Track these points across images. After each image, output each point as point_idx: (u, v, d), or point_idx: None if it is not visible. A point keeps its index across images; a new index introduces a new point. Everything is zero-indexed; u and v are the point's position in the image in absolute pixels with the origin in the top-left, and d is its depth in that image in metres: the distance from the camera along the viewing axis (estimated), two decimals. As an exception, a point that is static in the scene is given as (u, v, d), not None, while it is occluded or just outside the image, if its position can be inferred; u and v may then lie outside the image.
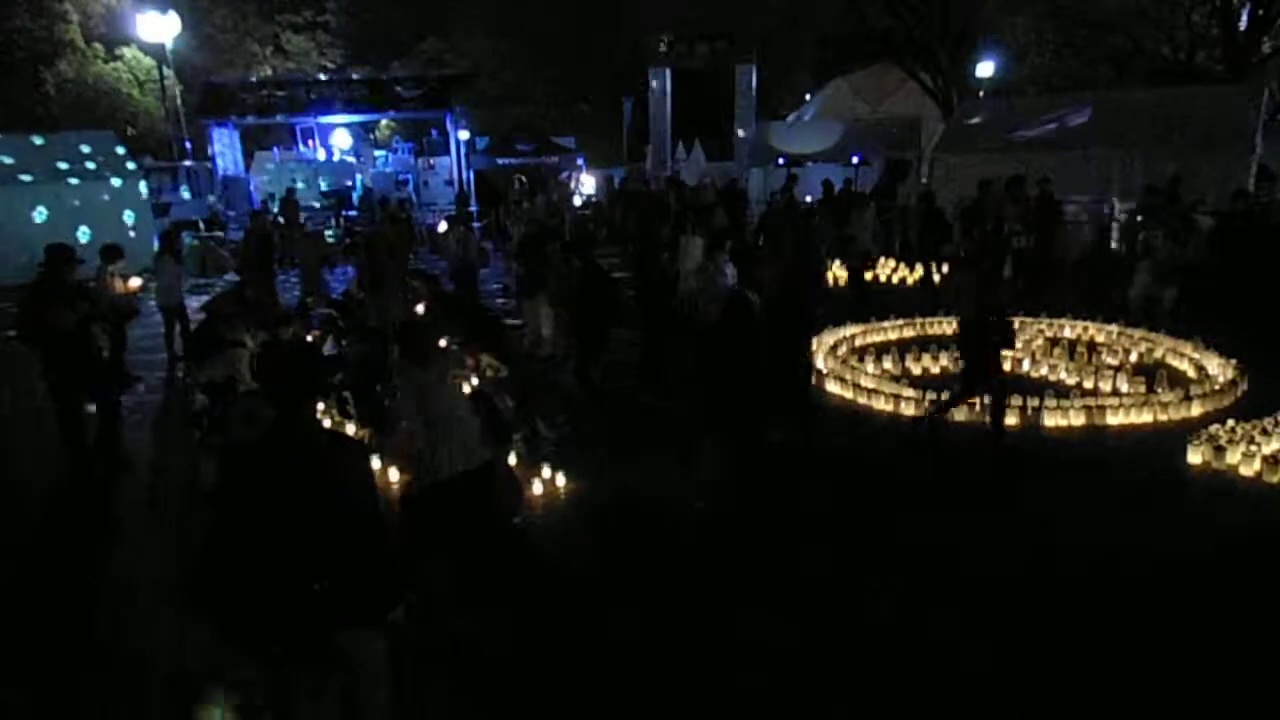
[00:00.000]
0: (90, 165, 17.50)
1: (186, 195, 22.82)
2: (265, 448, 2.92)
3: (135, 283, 9.01)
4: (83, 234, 15.85)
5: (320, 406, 6.81)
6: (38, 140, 17.53)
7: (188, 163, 23.65)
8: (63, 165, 17.07)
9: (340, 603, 2.76)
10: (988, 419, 6.95)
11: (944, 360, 9.05)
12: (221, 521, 2.79)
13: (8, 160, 16.62)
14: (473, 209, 21.25)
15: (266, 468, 2.80)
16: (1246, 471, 6.23)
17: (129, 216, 17.35)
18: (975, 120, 17.43)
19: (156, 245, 15.79)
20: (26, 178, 16.52)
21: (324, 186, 25.93)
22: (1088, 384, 8.33)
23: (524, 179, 22.43)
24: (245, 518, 2.76)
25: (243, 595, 2.71)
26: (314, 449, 2.85)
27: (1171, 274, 9.83)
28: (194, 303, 10.80)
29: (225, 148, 26.10)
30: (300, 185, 24.69)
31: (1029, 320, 10.43)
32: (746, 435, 5.52)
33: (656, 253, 10.08)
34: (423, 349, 4.65)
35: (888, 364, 9.00)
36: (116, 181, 17.63)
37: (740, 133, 28.57)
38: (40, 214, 16.32)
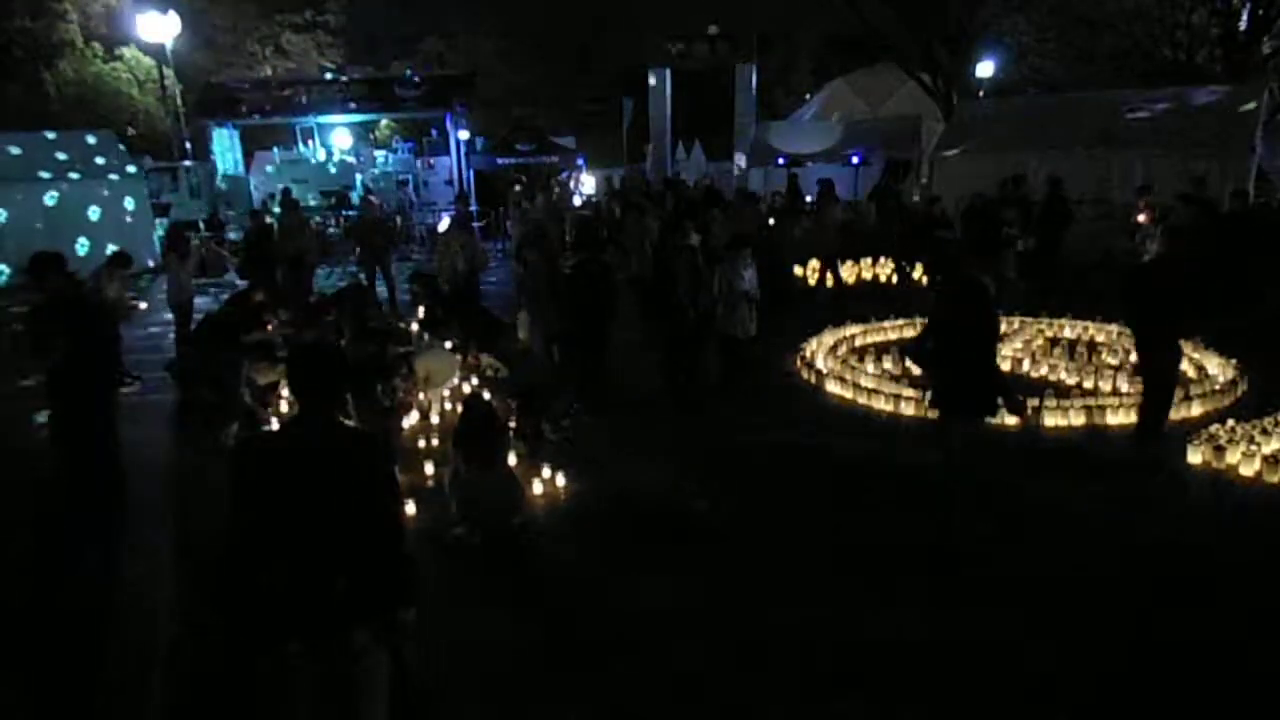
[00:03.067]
0: (74, 174, 17.10)
1: (185, 197, 22.70)
2: (288, 444, 2.94)
3: (142, 305, 9.01)
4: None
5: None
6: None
7: (188, 163, 23.55)
8: (45, 174, 16.67)
9: (358, 599, 2.78)
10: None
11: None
12: (241, 517, 2.81)
13: None
14: (473, 209, 21.20)
15: (289, 464, 2.82)
16: (1246, 471, 6.23)
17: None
18: (976, 120, 17.43)
19: (160, 246, 15.74)
20: None
21: (323, 186, 25.86)
22: (1088, 384, 8.33)
23: (524, 179, 22.36)
24: (266, 513, 2.78)
25: (263, 591, 2.73)
26: (337, 446, 2.88)
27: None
28: (199, 302, 10.81)
29: (225, 148, 26.04)
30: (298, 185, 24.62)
31: (1029, 320, 10.44)
32: (977, 422, 5.22)
33: (677, 255, 9.99)
34: None
35: (888, 364, 9.00)
36: (110, 183, 17.39)
37: (739, 132, 28.54)
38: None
